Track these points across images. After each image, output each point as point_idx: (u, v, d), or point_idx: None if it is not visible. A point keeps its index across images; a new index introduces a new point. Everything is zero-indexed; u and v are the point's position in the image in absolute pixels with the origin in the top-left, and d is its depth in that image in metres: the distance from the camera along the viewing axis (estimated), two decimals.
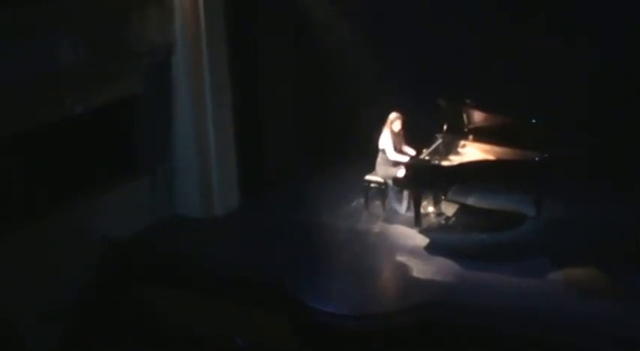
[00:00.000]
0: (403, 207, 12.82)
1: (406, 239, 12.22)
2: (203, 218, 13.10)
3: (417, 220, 12.37)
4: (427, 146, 12.56)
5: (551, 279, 10.96)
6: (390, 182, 12.60)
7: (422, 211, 12.47)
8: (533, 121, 12.33)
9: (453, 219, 12.76)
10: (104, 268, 11.84)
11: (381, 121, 12.53)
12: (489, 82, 13.14)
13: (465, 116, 12.88)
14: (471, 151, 12.69)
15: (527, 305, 10.33)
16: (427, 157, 12.42)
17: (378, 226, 12.64)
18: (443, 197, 13.05)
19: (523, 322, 10.08)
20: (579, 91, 13.08)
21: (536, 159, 12.07)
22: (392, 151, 12.51)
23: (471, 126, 12.87)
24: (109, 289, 11.64)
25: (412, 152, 12.60)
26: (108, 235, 12.04)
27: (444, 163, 12.39)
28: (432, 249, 11.89)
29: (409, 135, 12.77)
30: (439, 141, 12.70)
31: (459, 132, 12.87)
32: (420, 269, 11.46)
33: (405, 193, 12.72)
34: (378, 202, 12.92)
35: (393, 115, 12.52)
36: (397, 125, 12.53)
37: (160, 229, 12.81)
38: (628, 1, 12.60)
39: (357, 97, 14.43)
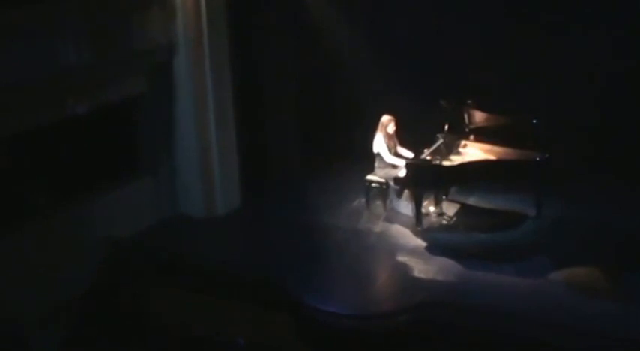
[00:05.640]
0: (404, 207, 12.83)
1: (407, 239, 12.23)
2: (205, 218, 13.12)
3: (418, 220, 12.36)
4: (428, 146, 12.59)
5: (551, 279, 10.96)
6: (391, 182, 12.62)
7: (423, 211, 12.47)
8: (534, 121, 12.36)
9: (454, 219, 12.76)
10: (106, 268, 11.87)
11: (374, 126, 12.57)
12: (490, 83, 13.15)
13: (466, 116, 12.90)
14: (472, 152, 12.71)
15: (527, 305, 10.34)
16: (428, 157, 12.44)
17: (379, 226, 12.65)
18: (444, 197, 13.06)
19: (523, 322, 10.09)
20: (580, 91, 13.07)
21: (537, 159, 12.10)
22: (387, 154, 12.55)
23: (472, 126, 12.90)
24: (111, 289, 11.68)
25: (408, 154, 12.63)
26: (110, 235, 12.07)
27: (445, 163, 12.40)
28: (433, 249, 11.90)
29: (409, 135, 12.80)
30: (440, 141, 12.71)
31: (460, 132, 12.89)
32: (421, 269, 11.47)
33: (406, 193, 12.73)
34: (379, 202, 12.92)
35: (385, 118, 12.56)
36: (391, 128, 12.58)
37: (162, 228, 12.83)
38: (628, 2, 12.64)
39: (359, 97, 14.43)
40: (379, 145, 12.56)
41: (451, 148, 12.74)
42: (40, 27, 10.72)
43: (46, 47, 10.84)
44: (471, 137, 12.87)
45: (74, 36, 11.20)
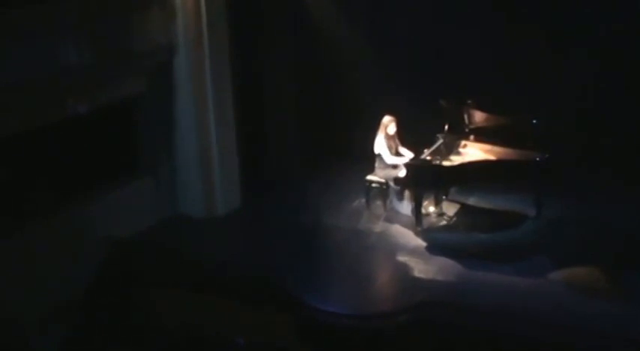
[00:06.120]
0: (404, 207, 12.82)
1: (407, 239, 12.22)
2: (205, 218, 13.12)
3: (418, 220, 12.35)
4: (428, 146, 12.59)
5: (551, 279, 10.96)
6: (391, 182, 12.62)
7: (423, 211, 12.46)
8: (534, 121, 12.36)
9: (454, 219, 12.76)
10: (106, 268, 11.87)
11: (374, 126, 12.58)
12: (490, 82, 13.15)
13: (466, 116, 12.89)
14: (472, 152, 12.71)
15: (527, 305, 10.34)
16: (428, 157, 12.44)
17: (379, 226, 12.64)
18: (444, 197, 13.06)
19: (523, 322, 10.09)
20: (579, 91, 13.09)
21: (537, 159, 12.10)
22: (388, 154, 12.56)
23: (472, 126, 12.89)
24: (111, 289, 11.68)
25: (409, 154, 12.63)
26: (110, 235, 12.06)
27: (445, 163, 12.41)
28: (433, 249, 11.89)
29: (409, 135, 12.81)
30: (440, 141, 12.71)
31: (460, 132, 12.89)
32: (421, 269, 11.47)
33: (407, 193, 12.73)
34: (379, 202, 12.92)
35: (386, 119, 12.57)
36: (392, 128, 12.58)
37: (162, 228, 12.84)
38: (628, 3, 12.64)
39: (359, 97, 14.44)
40: (380, 145, 12.56)
41: (451, 148, 12.74)
42: (40, 27, 10.71)
43: (46, 47, 10.83)
44: (471, 137, 12.86)
45: (74, 36, 11.20)
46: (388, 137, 12.60)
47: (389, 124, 12.57)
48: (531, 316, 10.14)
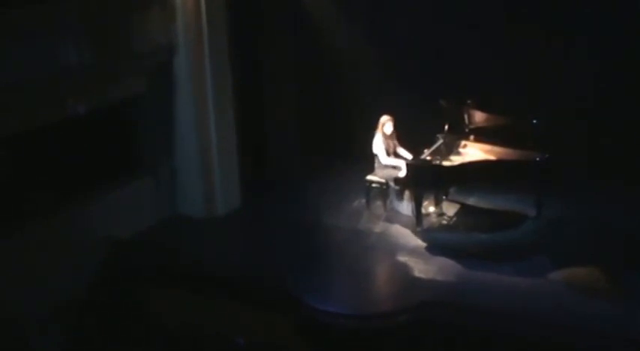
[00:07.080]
0: (404, 207, 12.82)
1: (407, 239, 12.22)
2: (205, 218, 13.12)
3: (418, 220, 12.35)
4: (428, 146, 12.58)
5: (551, 279, 10.96)
6: (391, 182, 12.62)
7: (423, 211, 12.46)
8: (534, 121, 12.36)
9: (454, 219, 12.76)
10: (106, 268, 11.87)
11: (373, 126, 12.57)
12: (490, 82, 13.16)
13: (466, 116, 12.90)
14: (472, 152, 12.72)
15: (527, 305, 10.34)
16: (428, 158, 12.44)
17: (379, 226, 12.64)
18: (444, 197, 13.07)
19: (523, 322, 10.09)
20: (579, 91, 13.08)
21: (537, 159, 12.10)
22: (384, 155, 12.55)
23: (472, 126, 12.90)
24: (111, 289, 11.68)
25: (407, 155, 12.62)
26: (110, 235, 12.06)
27: (445, 163, 12.41)
28: (433, 249, 11.89)
29: (409, 135, 12.80)
30: (440, 141, 12.72)
31: (460, 132, 12.89)
32: (421, 269, 11.45)
33: (407, 193, 12.73)
34: (379, 202, 12.92)
35: (383, 118, 12.55)
36: (389, 127, 12.56)
37: (162, 228, 12.84)
38: (628, 3, 12.63)
39: (359, 97, 14.44)
40: (378, 146, 12.56)
41: (451, 148, 12.74)
42: (40, 27, 10.71)
43: (46, 47, 10.83)
44: (471, 137, 12.87)
45: (74, 36, 11.20)
46: (385, 136, 12.59)
47: (385, 123, 12.55)
48: (531, 316, 10.15)
